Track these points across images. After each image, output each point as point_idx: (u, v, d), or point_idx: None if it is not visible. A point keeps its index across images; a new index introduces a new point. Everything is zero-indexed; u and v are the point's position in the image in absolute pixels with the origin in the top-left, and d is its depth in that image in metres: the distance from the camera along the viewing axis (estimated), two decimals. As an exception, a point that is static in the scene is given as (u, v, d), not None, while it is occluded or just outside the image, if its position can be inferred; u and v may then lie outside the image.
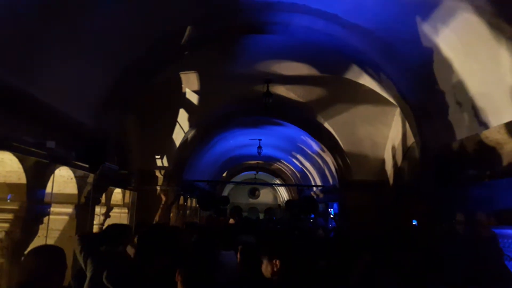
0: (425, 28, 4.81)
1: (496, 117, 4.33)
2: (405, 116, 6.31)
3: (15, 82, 3.44)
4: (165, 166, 9.77)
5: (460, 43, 4.56)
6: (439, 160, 5.20)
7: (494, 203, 4.96)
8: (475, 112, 4.69)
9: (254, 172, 24.87)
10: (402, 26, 5.05)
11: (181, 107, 9.08)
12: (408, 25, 4.96)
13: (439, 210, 5.54)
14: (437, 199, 5.46)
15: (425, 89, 5.49)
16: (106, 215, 7.80)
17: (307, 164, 16.20)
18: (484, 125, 4.53)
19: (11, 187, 3.86)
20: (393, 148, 9.30)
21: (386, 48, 5.50)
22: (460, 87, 4.82)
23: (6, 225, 3.82)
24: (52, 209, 4.44)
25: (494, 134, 4.27)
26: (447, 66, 4.87)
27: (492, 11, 3.88)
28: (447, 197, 5.35)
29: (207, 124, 10.40)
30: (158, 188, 9.68)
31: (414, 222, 8.45)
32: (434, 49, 4.95)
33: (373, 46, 5.53)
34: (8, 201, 3.87)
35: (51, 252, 2.43)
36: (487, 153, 4.54)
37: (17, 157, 3.73)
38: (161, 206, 9.60)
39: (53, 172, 4.37)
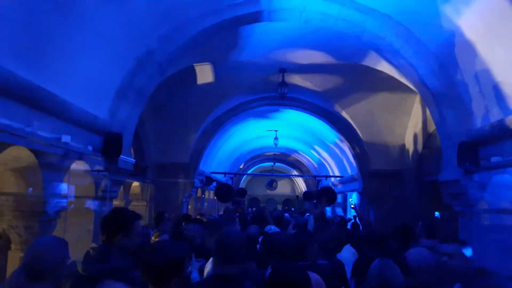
0: (446, 10, 4.64)
1: (523, 101, 4.15)
2: (426, 102, 6.13)
3: (30, 77, 3.44)
4: (182, 158, 9.78)
5: (483, 25, 4.38)
6: (463, 147, 5.03)
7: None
8: (500, 97, 4.51)
9: (271, 163, 24.85)
10: (421, 9, 4.89)
11: (197, 99, 9.03)
12: (428, 8, 4.80)
13: (462, 198, 5.39)
14: (461, 187, 5.30)
15: (447, 74, 5.31)
16: (125, 209, 7.84)
17: (325, 154, 16.05)
18: (510, 110, 4.35)
19: (28, 183, 3.87)
20: (413, 136, 9.11)
21: (405, 32, 5.34)
22: (484, 71, 4.64)
23: (25, 219, 3.85)
24: (69, 203, 4.45)
25: (521, 119, 4.10)
26: (470, 49, 4.69)
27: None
28: (470, 185, 5.19)
29: (223, 116, 10.37)
30: (175, 180, 9.71)
31: (437, 214, 8.28)
32: (456, 32, 4.77)
33: (392, 30, 5.37)
34: (27, 195, 3.88)
35: (56, 241, 2.54)
36: (513, 138, 4.38)
37: (33, 152, 3.73)
38: (179, 198, 9.65)
39: (69, 166, 4.37)
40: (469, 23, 4.54)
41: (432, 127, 8.06)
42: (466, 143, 5.06)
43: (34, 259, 2.29)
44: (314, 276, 2.77)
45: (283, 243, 3.38)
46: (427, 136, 8.44)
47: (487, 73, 4.60)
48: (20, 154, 3.71)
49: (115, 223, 2.71)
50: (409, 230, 4.34)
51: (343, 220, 8.27)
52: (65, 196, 4.31)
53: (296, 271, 2.52)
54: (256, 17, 5.59)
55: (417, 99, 8.67)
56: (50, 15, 3.62)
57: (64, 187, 4.28)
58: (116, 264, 2.45)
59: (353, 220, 9.33)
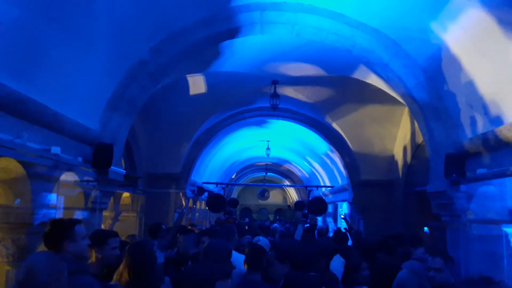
0: (433, 25, 4.74)
1: (507, 115, 4.24)
2: (413, 115, 6.22)
3: (19, 88, 3.44)
4: (173, 169, 9.77)
5: (469, 40, 4.48)
6: (450, 159, 5.11)
7: (504, 201, 4.88)
8: (485, 110, 4.60)
9: (263, 173, 24.86)
10: (409, 23, 4.99)
11: (189, 109, 9.06)
12: (415, 23, 4.90)
13: (450, 208, 5.45)
14: (448, 198, 5.38)
15: (434, 87, 5.41)
16: (115, 220, 7.79)
17: (316, 164, 16.11)
18: (495, 122, 4.44)
19: (16, 194, 3.84)
20: (402, 147, 9.20)
21: (394, 46, 5.45)
22: (469, 84, 4.73)
23: (12, 232, 3.82)
24: (58, 214, 4.41)
25: (505, 132, 4.18)
26: (456, 63, 4.79)
27: (502, 7, 3.80)
28: (457, 196, 5.27)
29: (215, 126, 10.41)
30: (166, 191, 9.68)
31: (426, 230, 8.34)
32: (442, 47, 4.87)
33: (381, 44, 5.47)
34: (14, 207, 3.85)
35: (50, 257, 2.44)
36: (498, 151, 4.46)
37: (21, 163, 3.71)
38: (170, 209, 9.61)
39: (59, 177, 4.36)
40: (455, 38, 4.65)
41: (420, 138, 8.15)
42: (453, 155, 5.13)
43: (25, 276, 2.24)
44: None
45: (298, 252, 3.42)
46: (416, 147, 8.54)
47: (473, 86, 4.69)
48: (8, 165, 3.69)
49: (56, 234, 2.77)
50: (392, 241, 4.39)
51: (338, 232, 8.20)
52: (54, 208, 4.28)
53: (310, 282, 2.57)
54: (248, 31, 5.66)
55: (405, 111, 8.78)
56: (41, 26, 3.63)
57: (53, 198, 4.25)
58: (68, 267, 2.47)
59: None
